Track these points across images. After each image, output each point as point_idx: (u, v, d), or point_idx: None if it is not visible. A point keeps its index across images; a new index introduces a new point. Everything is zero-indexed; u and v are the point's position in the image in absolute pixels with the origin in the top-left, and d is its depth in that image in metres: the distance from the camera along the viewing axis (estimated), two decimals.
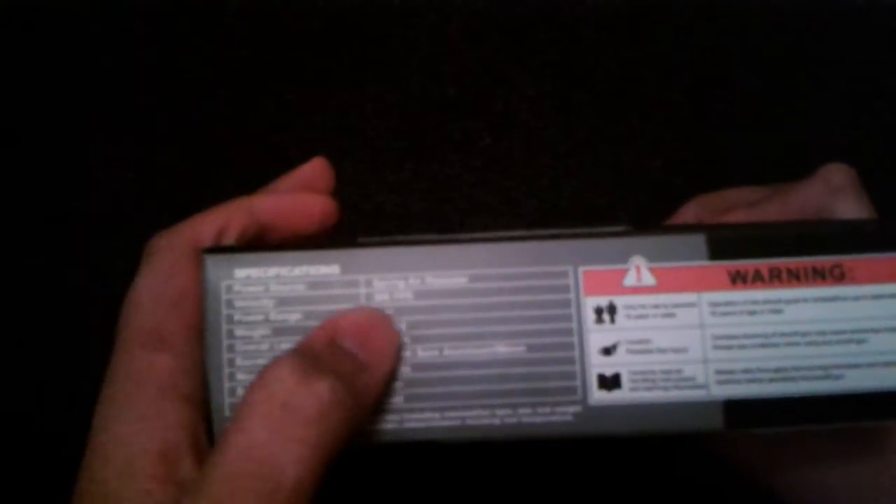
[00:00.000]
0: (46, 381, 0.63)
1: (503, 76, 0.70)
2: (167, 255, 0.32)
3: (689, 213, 0.48)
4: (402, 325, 0.31)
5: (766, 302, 0.31)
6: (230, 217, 0.33)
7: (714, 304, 0.31)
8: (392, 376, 0.31)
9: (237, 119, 0.70)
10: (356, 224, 0.66)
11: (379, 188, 0.68)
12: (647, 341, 0.31)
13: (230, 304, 0.31)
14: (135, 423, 0.29)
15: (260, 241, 0.35)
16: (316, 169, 0.37)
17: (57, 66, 0.71)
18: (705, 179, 0.65)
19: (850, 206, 0.41)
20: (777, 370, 0.31)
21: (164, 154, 0.69)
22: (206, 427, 0.31)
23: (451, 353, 0.31)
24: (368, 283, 0.31)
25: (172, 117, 0.70)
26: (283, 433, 0.26)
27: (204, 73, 0.71)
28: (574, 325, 0.31)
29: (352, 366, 0.29)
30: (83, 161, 0.69)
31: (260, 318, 0.31)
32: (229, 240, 0.33)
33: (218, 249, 0.32)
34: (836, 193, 0.42)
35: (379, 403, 0.31)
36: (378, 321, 0.31)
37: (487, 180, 0.68)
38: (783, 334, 0.31)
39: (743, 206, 0.44)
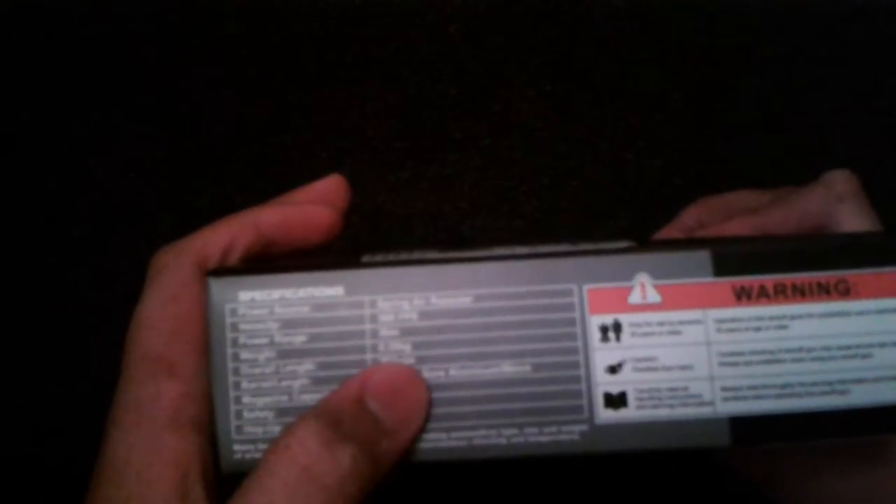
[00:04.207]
0: (46, 380, 0.63)
1: (503, 76, 0.70)
2: (173, 275, 0.32)
3: (691, 216, 0.48)
4: (407, 345, 0.31)
5: (771, 318, 0.31)
6: (236, 234, 0.33)
7: (719, 321, 0.31)
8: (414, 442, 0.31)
9: (237, 119, 0.70)
10: (356, 225, 0.66)
11: (379, 188, 0.68)
12: (652, 359, 0.31)
13: (235, 327, 0.31)
14: (147, 454, 0.29)
15: (264, 259, 0.34)
16: (331, 186, 0.37)
17: (57, 66, 0.71)
18: (705, 179, 0.65)
19: (853, 215, 0.41)
20: (783, 386, 0.31)
21: (164, 154, 0.69)
22: (212, 452, 0.31)
23: (457, 373, 0.31)
24: (373, 304, 0.31)
25: (172, 117, 0.70)
26: (302, 500, 0.27)
27: (204, 73, 0.71)
28: (579, 343, 0.31)
29: (375, 431, 0.29)
30: (83, 161, 0.69)
31: (265, 340, 0.31)
32: (235, 257, 0.33)
33: (222, 272, 0.31)
34: (838, 201, 0.42)
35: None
36: (409, 382, 0.30)
37: (487, 180, 0.68)
38: (789, 350, 0.31)
39: (745, 211, 0.44)
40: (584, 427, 0.31)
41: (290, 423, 0.29)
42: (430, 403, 0.31)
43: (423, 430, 0.31)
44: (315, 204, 0.36)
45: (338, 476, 0.27)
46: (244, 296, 0.31)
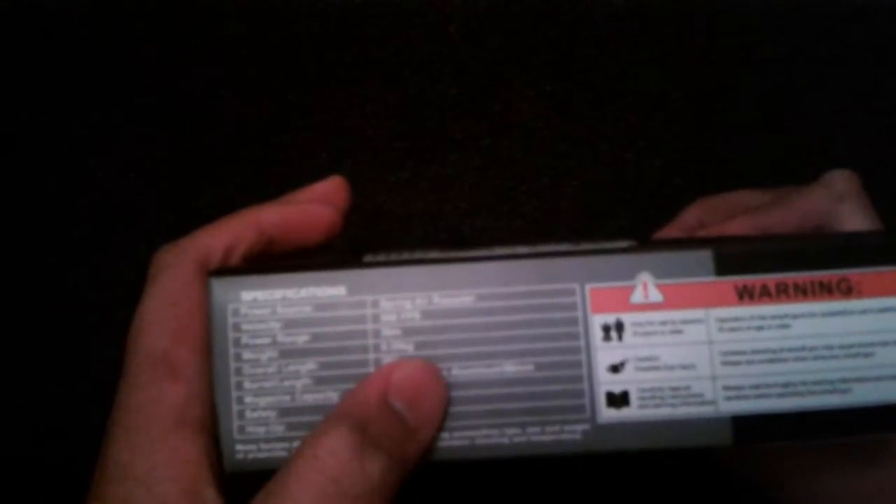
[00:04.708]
0: (46, 380, 0.63)
1: (503, 76, 0.70)
2: (175, 274, 0.32)
3: (691, 216, 0.48)
4: (409, 345, 0.31)
5: (773, 317, 0.31)
6: (237, 234, 0.33)
7: (721, 320, 0.31)
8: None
9: (237, 119, 0.70)
10: (356, 225, 0.66)
11: (379, 188, 0.68)
12: (655, 358, 0.31)
13: (237, 327, 0.31)
14: (154, 456, 0.29)
15: (265, 259, 0.34)
16: (331, 187, 0.37)
17: (57, 66, 0.71)
18: (705, 179, 0.65)
19: (854, 214, 0.41)
20: (785, 385, 0.31)
21: (164, 154, 0.69)
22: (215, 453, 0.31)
23: (460, 373, 0.31)
24: (375, 304, 0.31)
25: (172, 117, 0.70)
26: None
27: (204, 73, 0.71)
28: (582, 342, 0.31)
29: (402, 432, 0.29)
30: (83, 161, 0.69)
31: (267, 340, 0.31)
32: (236, 257, 0.33)
33: (224, 272, 0.31)
34: (839, 201, 0.42)
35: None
36: (429, 377, 0.30)
37: (487, 180, 0.68)
38: (791, 349, 0.31)
39: (746, 211, 0.44)
40: (586, 426, 0.31)
41: (317, 426, 0.29)
42: (449, 398, 0.31)
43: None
44: (316, 203, 0.36)
45: (367, 487, 0.28)
46: (246, 296, 0.31)
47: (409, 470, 0.30)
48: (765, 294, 0.31)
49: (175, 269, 0.32)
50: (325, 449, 0.28)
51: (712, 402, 0.31)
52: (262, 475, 0.29)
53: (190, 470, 0.29)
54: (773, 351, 0.31)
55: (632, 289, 0.31)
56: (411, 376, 0.30)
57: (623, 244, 0.33)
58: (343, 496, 0.27)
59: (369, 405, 0.30)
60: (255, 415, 0.31)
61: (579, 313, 0.31)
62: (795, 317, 0.31)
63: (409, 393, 0.30)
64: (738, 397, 0.31)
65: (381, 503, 0.28)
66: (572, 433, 0.31)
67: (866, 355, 0.31)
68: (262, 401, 0.31)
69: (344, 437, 0.28)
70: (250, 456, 0.31)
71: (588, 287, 0.31)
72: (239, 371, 0.31)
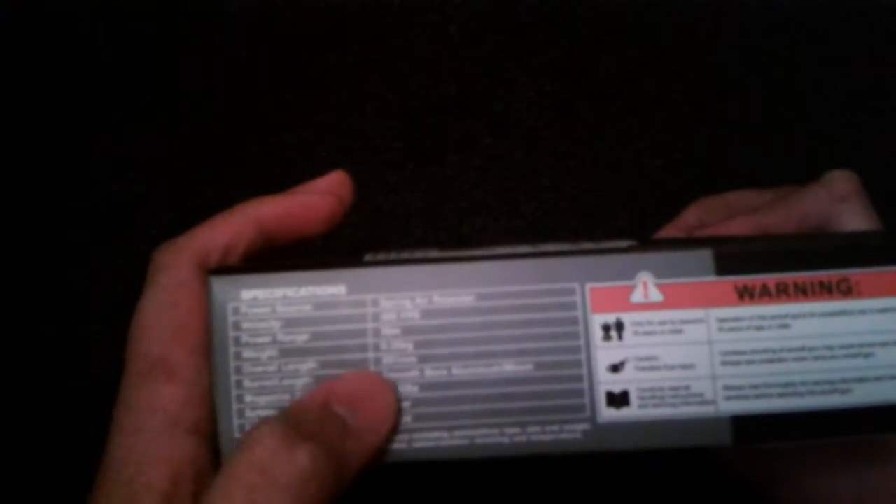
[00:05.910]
0: (46, 380, 0.63)
1: (503, 76, 0.70)
2: (173, 274, 0.31)
3: (691, 216, 0.48)
4: (409, 344, 0.31)
5: (773, 317, 0.31)
6: (237, 231, 0.33)
7: (721, 320, 0.31)
8: (385, 445, 0.31)
9: (237, 119, 0.70)
10: (356, 225, 0.66)
11: (379, 188, 0.68)
12: (654, 358, 0.30)
13: (237, 325, 0.31)
14: (141, 459, 0.29)
15: (265, 257, 0.34)
16: (334, 180, 0.36)
17: (57, 67, 0.71)
18: (705, 179, 0.65)
19: (854, 215, 0.41)
20: (785, 385, 0.31)
21: (164, 154, 0.69)
22: (211, 455, 0.30)
23: (459, 372, 0.31)
24: (375, 303, 0.31)
25: (172, 117, 0.70)
26: (262, 502, 0.26)
27: (204, 73, 0.71)
28: (582, 342, 0.31)
29: (340, 431, 0.29)
30: (83, 161, 0.69)
31: (267, 339, 0.31)
32: (237, 254, 0.33)
33: (224, 270, 0.31)
34: (840, 201, 0.42)
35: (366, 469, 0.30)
36: (376, 388, 0.30)
37: (487, 180, 0.68)
38: (791, 349, 0.31)
39: (746, 211, 0.44)
40: (586, 426, 0.31)
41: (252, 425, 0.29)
42: (400, 407, 0.31)
43: (393, 433, 0.30)
44: (317, 194, 0.35)
45: (296, 475, 0.27)
46: (246, 294, 0.31)
47: (353, 469, 0.29)
48: (765, 294, 0.31)
49: (173, 268, 0.32)
50: (254, 440, 0.27)
51: (712, 402, 0.30)
52: None
53: (173, 474, 0.29)
54: (773, 351, 0.31)
55: (632, 288, 0.31)
56: (353, 386, 0.30)
57: (623, 244, 0.33)
58: (271, 485, 0.26)
59: (309, 407, 0.29)
60: (255, 413, 0.31)
61: (579, 313, 0.31)
62: (795, 317, 0.31)
63: (351, 401, 0.29)
64: (737, 397, 0.31)
65: (315, 494, 0.27)
66: (572, 433, 0.31)
67: (866, 355, 0.31)
68: (262, 399, 0.31)
69: (272, 427, 0.27)
70: None
71: (588, 286, 0.31)
72: (239, 370, 0.31)
